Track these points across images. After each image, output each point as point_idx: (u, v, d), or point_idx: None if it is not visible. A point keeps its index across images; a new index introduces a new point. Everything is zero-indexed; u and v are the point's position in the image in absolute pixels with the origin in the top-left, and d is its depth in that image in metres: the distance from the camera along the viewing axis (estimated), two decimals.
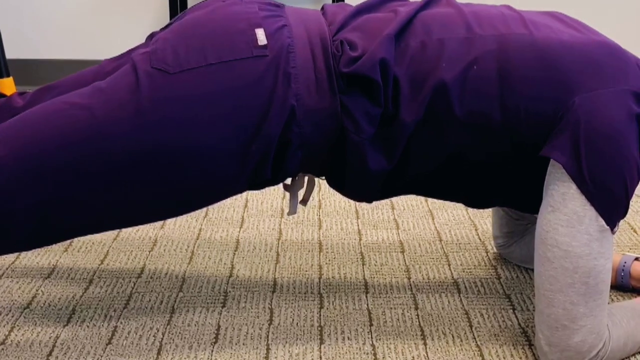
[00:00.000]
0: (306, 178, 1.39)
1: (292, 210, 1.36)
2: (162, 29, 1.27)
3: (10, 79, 2.81)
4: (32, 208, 1.14)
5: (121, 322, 1.38)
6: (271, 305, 1.44)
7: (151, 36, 1.30)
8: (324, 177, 1.30)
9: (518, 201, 1.31)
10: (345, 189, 1.28)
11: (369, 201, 1.31)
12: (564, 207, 1.15)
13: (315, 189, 2.03)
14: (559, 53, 1.18)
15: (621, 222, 1.19)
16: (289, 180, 1.35)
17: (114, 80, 1.17)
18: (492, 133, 1.19)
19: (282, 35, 1.18)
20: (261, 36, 1.16)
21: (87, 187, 1.14)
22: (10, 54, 2.89)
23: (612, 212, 1.15)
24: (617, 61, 1.18)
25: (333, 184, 1.29)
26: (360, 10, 1.26)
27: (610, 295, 1.43)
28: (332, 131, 1.19)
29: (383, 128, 1.19)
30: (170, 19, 2.84)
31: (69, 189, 1.14)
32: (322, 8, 1.29)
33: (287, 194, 1.97)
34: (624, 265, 1.49)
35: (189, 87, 1.14)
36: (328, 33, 1.20)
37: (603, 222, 1.15)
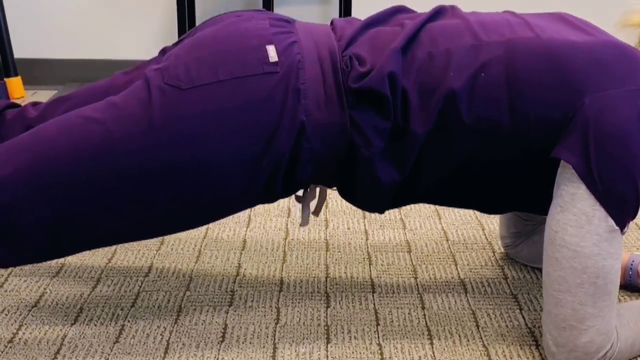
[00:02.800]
0: (318, 189, 1.39)
1: (304, 222, 1.36)
2: (174, 45, 1.27)
3: (19, 78, 2.81)
4: (44, 222, 1.14)
5: (128, 321, 1.38)
6: (278, 305, 1.44)
7: (163, 51, 1.30)
8: (335, 188, 1.30)
9: (528, 204, 1.31)
10: (357, 200, 1.28)
11: (381, 212, 1.30)
12: (573, 207, 1.15)
13: None
14: (566, 55, 1.17)
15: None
16: (300, 192, 1.35)
17: (127, 96, 1.17)
18: (501, 138, 1.18)
19: (292, 51, 1.18)
20: (272, 53, 1.17)
21: (101, 203, 1.15)
22: (17, 53, 2.89)
23: (622, 212, 1.15)
24: (627, 61, 1.18)
25: (344, 195, 1.29)
26: (368, 24, 1.26)
27: (618, 295, 1.43)
28: (341, 146, 1.19)
29: (393, 141, 1.19)
30: (178, 18, 2.84)
31: (82, 204, 1.15)
32: (332, 22, 1.30)
33: None
34: (632, 264, 1.49)
35: (200, 103, 1.14)
36: (337, 48, 1.21)
37: (612, 223, 1.14)
